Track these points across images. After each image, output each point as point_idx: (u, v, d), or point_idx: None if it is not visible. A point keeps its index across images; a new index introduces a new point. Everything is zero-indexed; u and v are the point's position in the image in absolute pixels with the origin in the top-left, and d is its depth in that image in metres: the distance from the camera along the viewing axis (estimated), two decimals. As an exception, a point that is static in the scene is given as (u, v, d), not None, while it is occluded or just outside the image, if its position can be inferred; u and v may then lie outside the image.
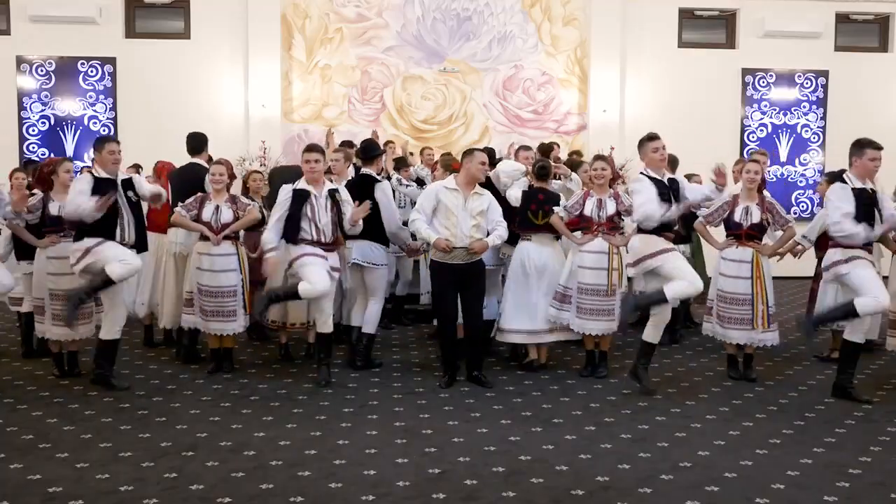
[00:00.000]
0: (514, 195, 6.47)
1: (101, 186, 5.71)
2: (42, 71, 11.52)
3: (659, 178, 5.86)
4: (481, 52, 12.08)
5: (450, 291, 5.96)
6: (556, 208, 6.29)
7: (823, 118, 12.53)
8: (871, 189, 5.65)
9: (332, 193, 6.08)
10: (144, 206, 6.27)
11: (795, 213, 11.93)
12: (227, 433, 4.90)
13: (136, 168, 8.36)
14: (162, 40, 11.70)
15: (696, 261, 7.72)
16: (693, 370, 6.60)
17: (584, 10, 12.15)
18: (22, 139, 11.51)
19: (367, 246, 6.41)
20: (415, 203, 7.51)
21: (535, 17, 12.14)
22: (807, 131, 12.56)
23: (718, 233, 6.45)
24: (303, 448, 4.63)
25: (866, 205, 5.53)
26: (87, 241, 5.69)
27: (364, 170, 6.71)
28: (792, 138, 12.56)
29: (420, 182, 8.39)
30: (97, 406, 5.45)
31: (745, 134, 12.48)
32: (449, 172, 6.73)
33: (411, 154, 10.49)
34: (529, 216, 6.34)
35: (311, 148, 6.16)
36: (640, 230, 5.85)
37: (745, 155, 11.69)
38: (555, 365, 6.65)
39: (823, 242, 6.17)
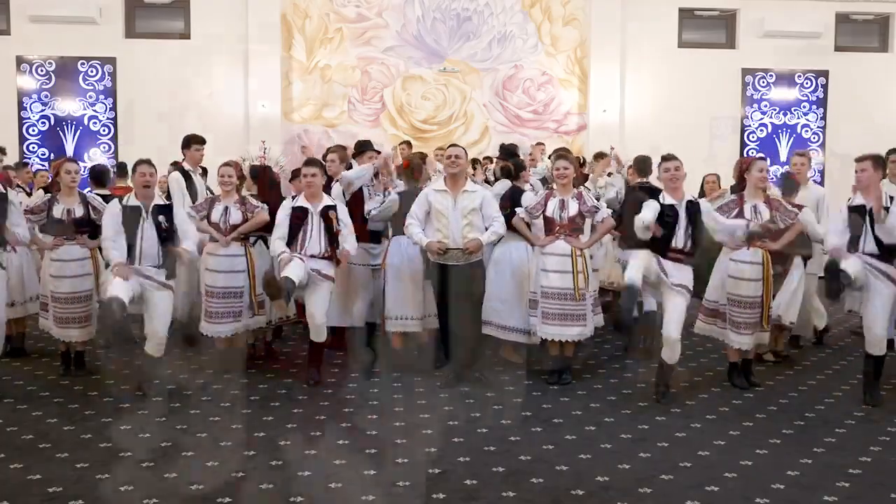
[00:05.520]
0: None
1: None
2: (42, 71, 11.53)
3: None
4: (481, 52, 12.09)
5: (449, 292, 5.94)
6: (518, 210, 6.14)
7: (823, 118, 12.53)
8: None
9: (326, 211, 5.90)
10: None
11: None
12: (228, 433, 4.89)
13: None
14: (162, 40, 11.71)
15: (702, 262, 7.65)
16: (693, 370, 6.58)
17: (584, 9, 12.16)
18: (22, 139, 11.51)
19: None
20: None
21: (535, 17, 12.15)
22: (807, 131, 12.56)
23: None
24: (303, 448, 4.63)
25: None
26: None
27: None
28: (792, 138, 12.56)
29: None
30: (97, 406, 5.45)
31: (745, 134, 12.49)
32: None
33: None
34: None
35: (308, 163, 6.08)
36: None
37: (746, 155, 11.72)
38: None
39: None
